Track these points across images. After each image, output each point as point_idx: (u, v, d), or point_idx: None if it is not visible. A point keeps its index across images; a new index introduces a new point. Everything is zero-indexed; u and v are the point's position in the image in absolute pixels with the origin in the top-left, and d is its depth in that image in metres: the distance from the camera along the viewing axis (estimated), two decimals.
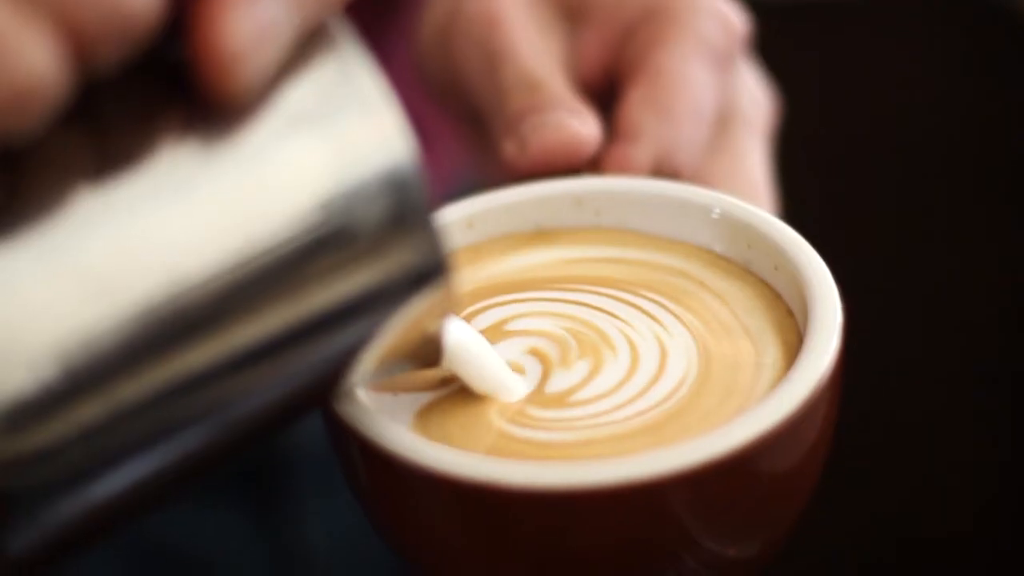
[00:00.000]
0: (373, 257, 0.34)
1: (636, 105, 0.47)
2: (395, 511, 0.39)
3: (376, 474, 0.39)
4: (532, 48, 0.49)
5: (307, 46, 0.33)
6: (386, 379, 0.40)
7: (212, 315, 0.32)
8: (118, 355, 0.32)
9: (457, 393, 0.40)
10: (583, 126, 0.46)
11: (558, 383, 0.40)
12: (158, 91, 0.33)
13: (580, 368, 0.41)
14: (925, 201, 1.23)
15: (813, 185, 1.12)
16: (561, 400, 0.40)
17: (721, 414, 0.38)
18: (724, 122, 0.50)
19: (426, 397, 0.40)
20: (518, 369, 0.41)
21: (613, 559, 0.38)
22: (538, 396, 0.40)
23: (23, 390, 0.31)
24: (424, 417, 0.39)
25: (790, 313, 0.42)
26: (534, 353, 0.41)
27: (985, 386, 1.17)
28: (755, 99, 0.51)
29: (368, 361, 0.36)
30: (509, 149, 0.46)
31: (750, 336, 0.41)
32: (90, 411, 0.32)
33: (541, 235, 0.46)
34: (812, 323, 0.39)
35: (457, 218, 0.45)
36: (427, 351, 0.38)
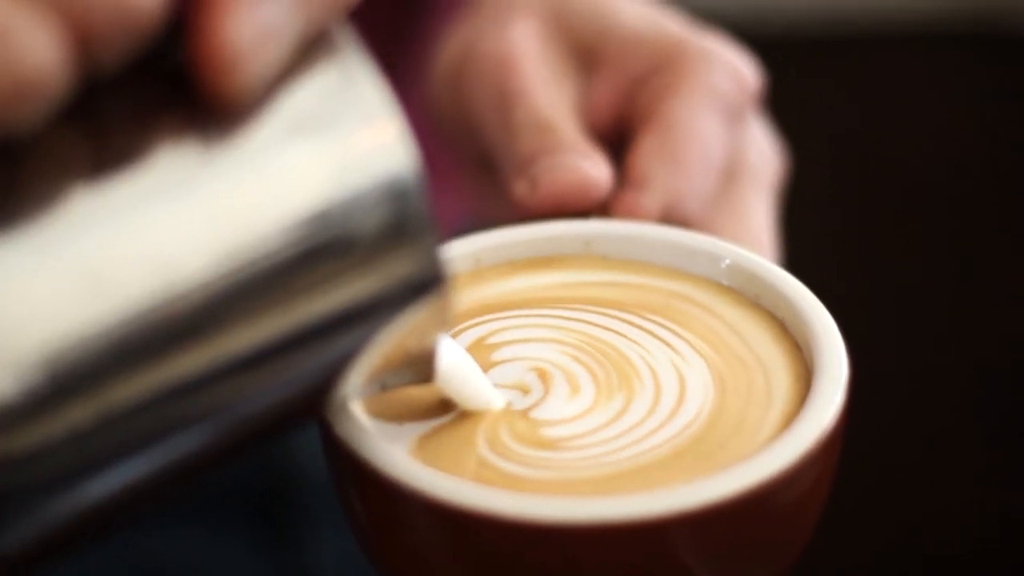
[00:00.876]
0: (371, 265, 0.34)
1: (647, 153, 0.48)
2: (388, 537, 0.39)
3: (370, 497, 0.38)
4: (545, 91, 0.49)
5: (310, 51, 0.33)
6: (379, 392, 0.39)
7: (206, 319, 0.32)
8: (109, 357, 0.31)
9: (462, 419, 0.40)
10: (594, 169, 0.46)
11: (569, 409, 0.40)
12: (158, 92, 0.33)
13: (610, 397, 0.40)
14: (941, 232, 1.24)
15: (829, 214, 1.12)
16: (565, 436, 0.39)
17: (732, 448, 0.38)
18: (732, 175, 0.50)
19: (430, 424, 0.40)
20: (525, 388, 0.40)
21: None
22: (539, 422, 0.40)
23: (10, 392, 0.30)
24: (427, 442, 0.39)
25: (797, 346, 0.41)
26: (542, 376, 0.41)
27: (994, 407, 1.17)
28: (763, 154, 0.52)
29: (361, 372, 0.36)
30: (519, 189, 0.46)
31: (762, 367, 0.41)
32: (80, 413, 0.31)
33: (539, 261, 0.46)
34: (818, 372, 0.39)
35: (463, 253, 0.45)
36: (420, 365, 0.37)
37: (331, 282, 0.33)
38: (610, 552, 0.36)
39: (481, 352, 0.42)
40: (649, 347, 0.42)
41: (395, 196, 0.33)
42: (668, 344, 0.42)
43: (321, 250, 0.33)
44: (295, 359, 0.34)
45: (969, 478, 1.21)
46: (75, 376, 0.31)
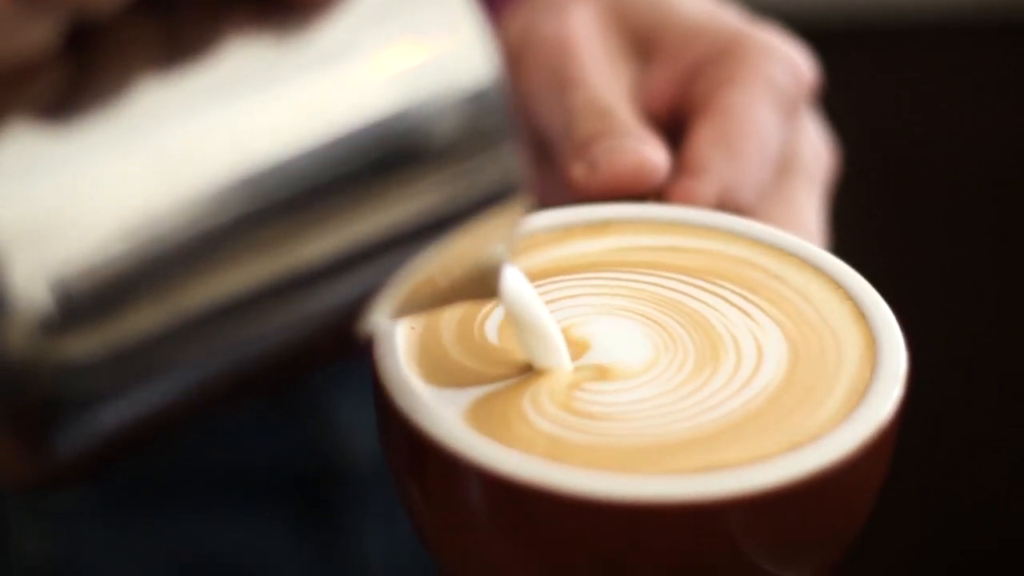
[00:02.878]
0: (448, 169, 0.33)
1: (704, 141, 0.48)
2: (441, 509, 0.39)
3: (423, 465, 0.38)
4: (603, 76, 0.49)
5: None
6: (440, 309, 0.39)
7: (280, 216, 0.32)
8: (182, 252, 0.31)
9: (517, 386, 0.39)
10: (653, 153, 0.46)
11: (635, 373, 0.39)
12: None
13: (690, 361, 0.40)
14: (977, 227, 1.24)
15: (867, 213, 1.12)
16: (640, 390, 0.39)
17: (797, 420, 0.38)
18: (785, 168, 0.50)
19: (485, 389, 0.39)
20: (587, 348, 0.40)
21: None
22: (605, 378, 0.39)
23: (77, 290, 0.30)
24: (481, 408, 0.38)
25: (862, 314, 0.41)
26: (604, 338, 0.40)
27: None
28: (816, 150, 0.52)
29: (427, 284, 0.35)
30: (577, 171, 0.46)
31: (832, 332, 0.40)
32: (147, 309, 0.31)
33: (595, 226, 0.45)
34: (880, 361, 0.39)
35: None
36: (486, 280, 0.37)
37: (407, 182, 0.33)
38: (665, 532, 0.36)
39: None
40: (725, 312, 0.41)
41: (476, 98, 0.33)
42: (742, 310, 0.41)
43: (399, 149, 0.32)
44: (363, 262, 0.33)
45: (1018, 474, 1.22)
46: (146, 273, 0.31)
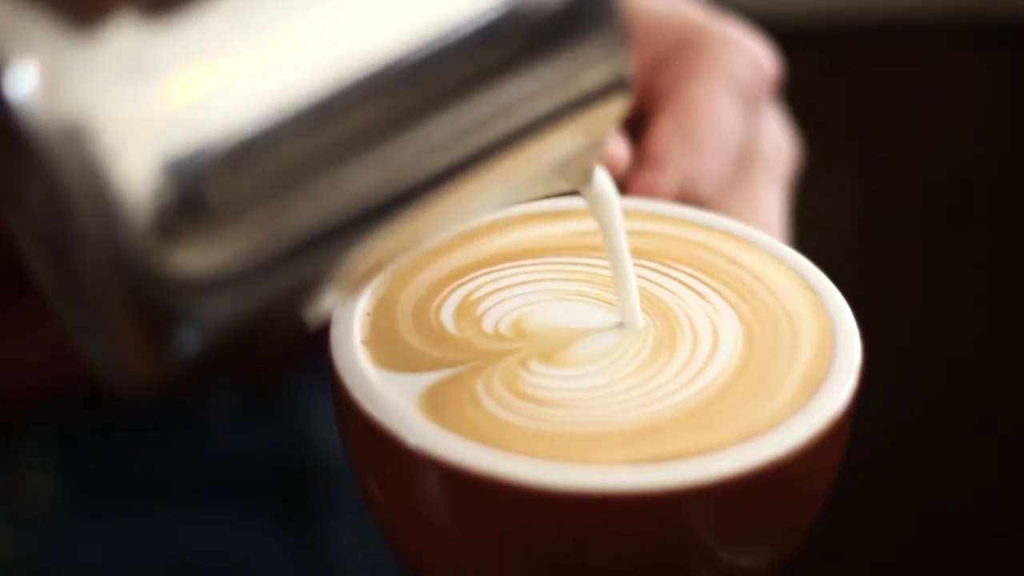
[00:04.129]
0: (554, 52, 0.33)
1: (664, 134, 0.48)
2: (395, 498, 0.39)
3: (376, 453, 0.38)
4: None
5: None
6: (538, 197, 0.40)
7: (393, 95, 0.32)
8: (299, 136, 0.31)
9: (471, 372, 0.39)
10: (614, 146, 0.46)
11: (592, 358, 0.39)
12: None
13: (648, 346, 0.40)
14: (943, 221, 1.24)
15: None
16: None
17: (752, 406, 0.38)
18: (746, 162, 0.50)
19: (437, 375, 0.39)
20: (544, 335, 0.40)
21: (619, 569, 0.37)
22: (559, 373, 0.39)
23: (200, 169, 0.30)
24: (433, 395, 0.38)
25: (819, 300, 0.41)
26: (563, 321, 0.40)
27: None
28: (777, 143, 0.52)
29: (527, 167, 0.35)
30: None
31: (788, 316, 0.40)
32: (270, 201, 0.31)
33: (553, 213, 0.45)
34: (836, 351, 0.39)
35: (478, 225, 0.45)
36: (576, 173, 0.37)
37: (517, 60, 0.33)
38: (617, 522, 0.36)
39: (490, 299, 0.41)
40: (682, 295, 0.41)
41: None
42: (698, 293, 0.41)
43: (508, 28, 0.33)
44: (465, 145, 0.34)
45: (993, 477, 1.22)
46: (267, 158, 0.31)
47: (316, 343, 0.74)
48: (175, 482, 0.73)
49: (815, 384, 0.38)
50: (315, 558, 0.73)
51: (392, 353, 0.39)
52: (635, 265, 0.41)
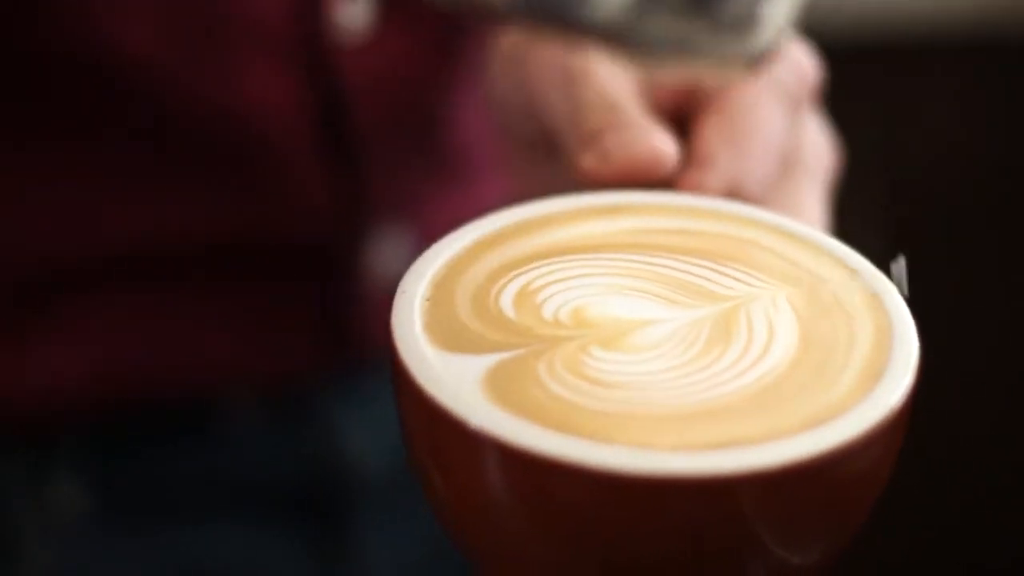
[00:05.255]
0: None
1: (711, 135, 0.48)
2: (455, 481, 0.39)
3: (436, 435, 0.38)
4: (611, 71, 0.50)
5: None
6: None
7: None
8: None
9: (531, 355, 0.39)
10: (664, 144, 0.47)
11: (649, 346, 0.39)
12: None
13: (703, 337, 0.40)
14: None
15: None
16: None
17: (813, 393, 0.38)
18: (788, 165, 0.50)
19: (497, 357, 0.39)
20: (602, 324, 0.40)
21: (675, 558, 0.37)
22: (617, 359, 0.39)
23: None
24: (495, 376, 0.38)
25: (875, 298, 0.41)
26: (619, 312, 0.41)
27: None
28: (817, 147, 0.52)
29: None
30: (588, 161, 0.47)
31: (844, 311, 0.41)
32: None
33: (607, 208, 0.45)
34: (894, 345, 0.39)
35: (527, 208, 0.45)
36: None
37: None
38: (684, 506, 0.36)
39: (549, 289, 0.41)
40: (738, 290, 0.41)
41: None
42: (753, 287, 0.42)
43: None
44: None
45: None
46: None
47: (344, 355, 0.74)
48: (204, 495, 0.73)
49: (875, 377, 0.38)
50: (340, 571, 0.73)
51: (452, 336, 0.39)
52: (688, 263, 0.42)
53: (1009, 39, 1.29)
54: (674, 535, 0.37)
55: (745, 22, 0.37)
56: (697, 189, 0.47)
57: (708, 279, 0.42)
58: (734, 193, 0.47)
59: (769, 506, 0.37)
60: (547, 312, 0.40)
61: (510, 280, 0.41)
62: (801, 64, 0.51)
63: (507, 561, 0.39)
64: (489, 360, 0.38)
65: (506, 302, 0.41)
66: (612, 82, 0.49)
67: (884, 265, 0.43)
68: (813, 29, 0.52)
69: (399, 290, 0.40)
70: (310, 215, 0.71)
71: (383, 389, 0.79)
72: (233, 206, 0.69)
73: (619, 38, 0.37)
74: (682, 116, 0.50)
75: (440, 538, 0.82)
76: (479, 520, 0.39)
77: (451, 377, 0.37)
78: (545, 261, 0.42)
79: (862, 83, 1.25)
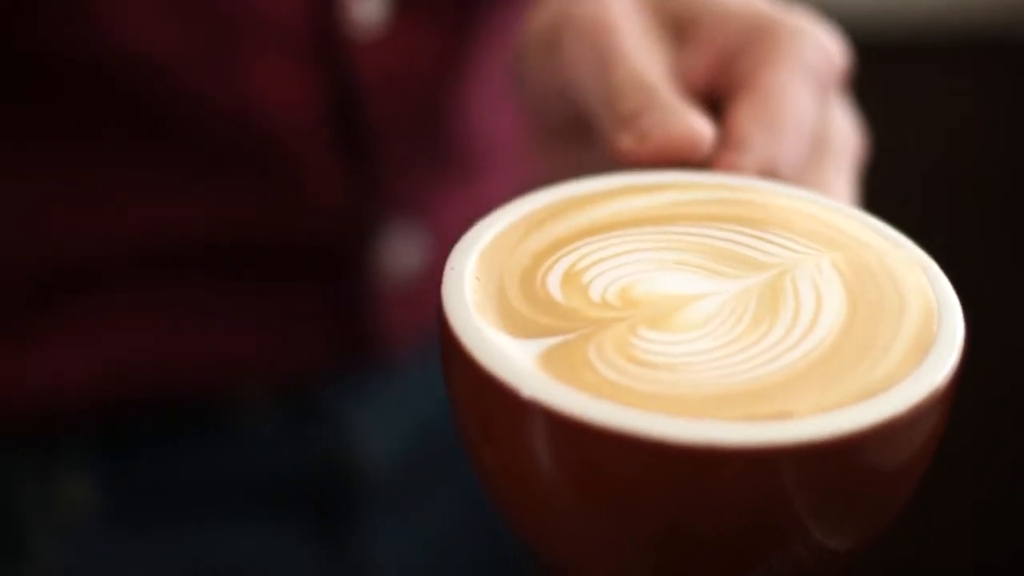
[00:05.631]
0: None
1: (745, 117, 0.48)
2: (507, 455, 0.38)
3: (491, 408, 0.38)
4: (644, 54, 0.50)
5: None
6: None
7: None
8: None
9: (581, 338, 0.39)
10: (701, 125, 0.47)
11: (697, 323, 0.39)
12: None
13: (750, 310, 0.40)
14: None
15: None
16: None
17: (863, 367, 0.38)
18: (818, 149, 0.51)
19: (548, 341, 0.39)
20: (649, 302, 0.40)
21: (721, 535, 0.37)
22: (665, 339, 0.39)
23: None
24: (546, 357, 0.38)
25: (921, 270, 0.41)
26: (665, 288, 0.41)
27: None
28: (844, 132, 0.52)
29: None
30: (626, 142, 0.47)
31: (893, 280, 0.41)
32: None
33: (649, 186, 0.45)
34: (942, 318, 0.39)
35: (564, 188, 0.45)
36: None
37: None
38: (737, 478, 0.36)
39: (595, 268, 0.41)
40: (784, 258, 0.41)
41: None
42: (800, 254, 0.42)
43: None
44: None
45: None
46: None
47: (353, 353, 0.74)
48: (212, 493, 0.72)
49: (924, 350, 0.38)
50: (351, 570, 0.73)
51: (501, 319, 0.39)
52: (731, 231, 0.42)
53: (1013, 38, 1.30)
54: (722, 508, 0.37)
55: None
56: (732, 171, 0.47)
57: (752, 247, 0.42)
58: (767, 176, 0.47)
59: (815, 479, 0.36)
60: (594, 293, 0.40)
61: (556, 260, 0.41)
62: (829, 48, 0.51)
63: (554, 536, 0.39)
64: (540, 345, 0.38)
65: (553, 284, 0.41)
66: (646, 64, 0.49)
67: None
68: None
69: (448, 267, 0.40)
70: (322, 212, 0.71)
71: (393, 388, 0.79)
72: (243, 204, 0.69)
73: None
74: (714, 98, 0.51)
75: (447, 538, 0.81)
76: (528, 492, 0.39)
77: (504, 351, 0.37)
78: (589, 239, 0.42)
79: (862, 83, 1.25)
